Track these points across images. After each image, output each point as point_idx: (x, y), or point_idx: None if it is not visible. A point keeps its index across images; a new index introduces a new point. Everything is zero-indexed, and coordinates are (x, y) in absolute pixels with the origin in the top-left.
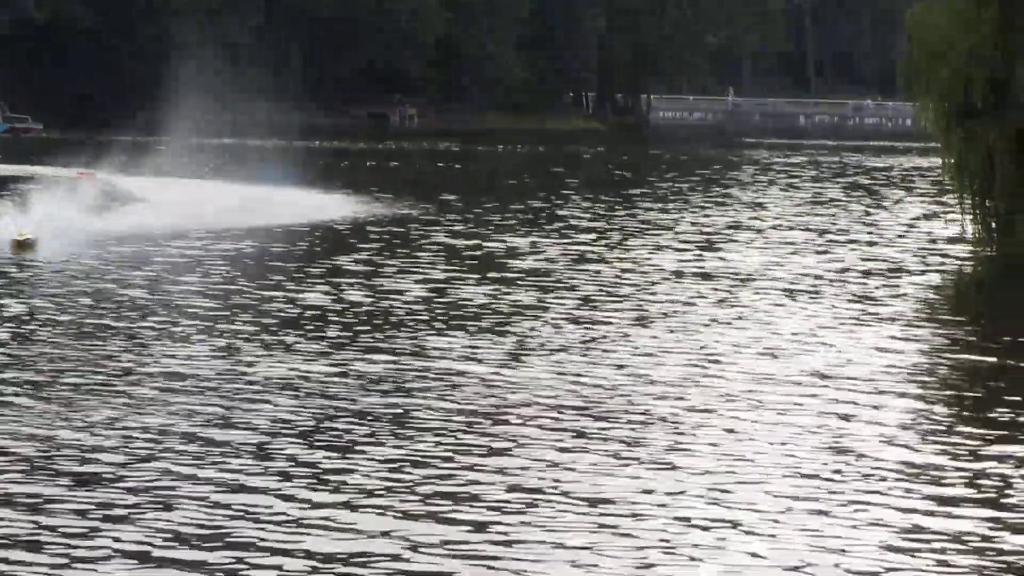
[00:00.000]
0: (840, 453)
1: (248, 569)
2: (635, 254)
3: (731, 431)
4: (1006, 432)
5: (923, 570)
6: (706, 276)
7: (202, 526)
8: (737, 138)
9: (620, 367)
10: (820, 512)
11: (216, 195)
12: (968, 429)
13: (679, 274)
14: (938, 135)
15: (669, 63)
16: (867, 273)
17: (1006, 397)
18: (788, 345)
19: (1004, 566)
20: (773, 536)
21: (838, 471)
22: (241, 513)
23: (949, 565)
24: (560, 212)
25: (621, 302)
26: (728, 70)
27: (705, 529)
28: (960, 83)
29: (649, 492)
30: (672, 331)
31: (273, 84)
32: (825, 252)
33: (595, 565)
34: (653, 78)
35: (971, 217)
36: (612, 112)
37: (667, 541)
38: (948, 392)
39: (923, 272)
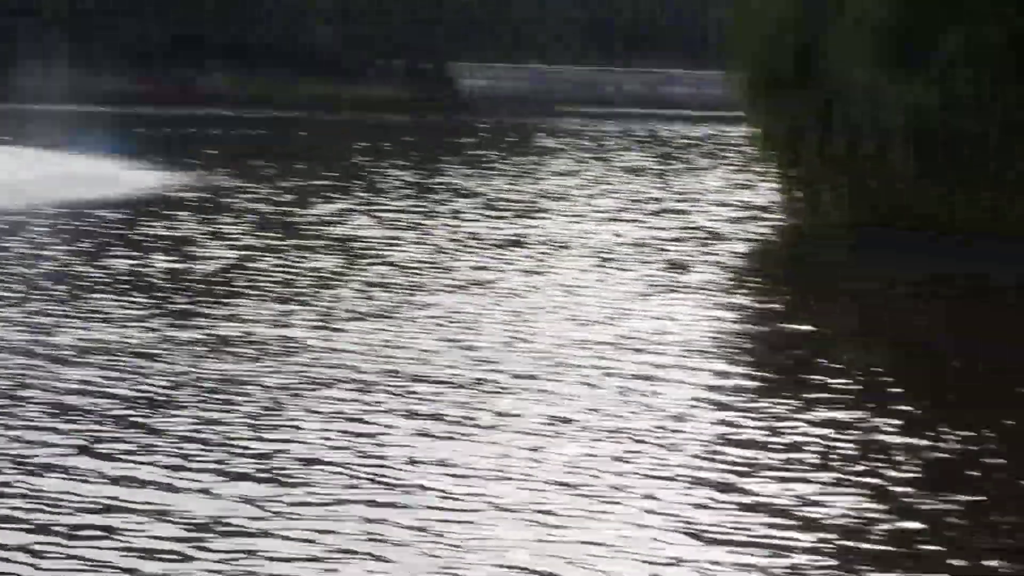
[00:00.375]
0: (651, 419)
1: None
2: (448, 221)
3: (548, 392)
4: (816, 396)
5: (730, 531)
6: (519, 243)
7: None
8: (546, 106)
9: (435, 334)
10: (626, 474)
11: (15, 163)
12: (777, 396)
13: (492, 241)
14: (746, 105)
15: (478, 31)
16: (677, 241)
17: (814, 363)
18: (601, 312)
19: (810, 529)
20: (585, 497)
21: (649, 435)
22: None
23: (758, 526)
24: (371, 180)
25: (435, 269)
26: (537, 39)
27: (526, 490)
28: (768, 52)
29: (470, 456)
30: (487, 298)
31: (80, 50)
32: (636, 220)
33: (423, 530)
34: (462, 47)
35: (778, 187)
36: (421, 80)
37: (492, 504)
38: (757, 359)
39: (732, 241)
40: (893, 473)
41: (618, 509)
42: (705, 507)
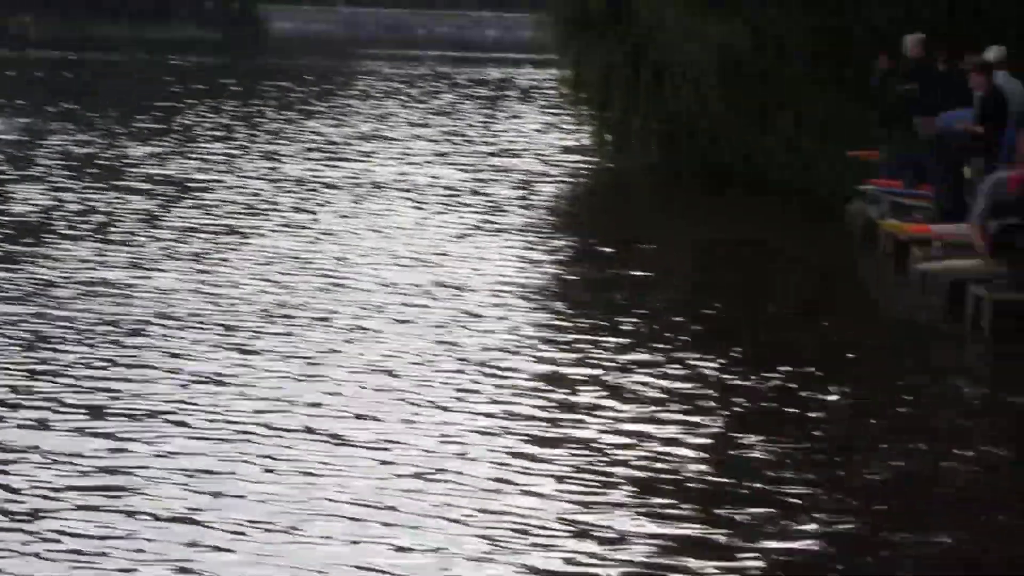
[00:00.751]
0: (467, 361)
1: None
2: (261, 163)
3: (363, 330)
4: (631, 340)
5: (551, 475)
6: (334, 186)
7: None
8: (355, 48)
9: (253, 274)
10: (450, 410)
11: None
12: (593, 337)
13: (305, 182)
14: (557, 47)
15: None
16: (492, 183)
17: (627, 306)
18: (418, 254)
19: (628, 466)
20: (397, 443)
21: (466, 378)
22: None
23: (575, 469)
24: (181, 121)
25: (251, 211)
26: None
27: (330, 417)
28: None
29: (289, 400)
30: (303, 239)
31: None
32: (451, 164)
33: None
34: None
35: (591, 129)
36: (228, 21)
37: (302, 431)
38: (572, 300)
39: (545, 183)
40: (706, 412)
41: (422, 442)
42: (519, 444)
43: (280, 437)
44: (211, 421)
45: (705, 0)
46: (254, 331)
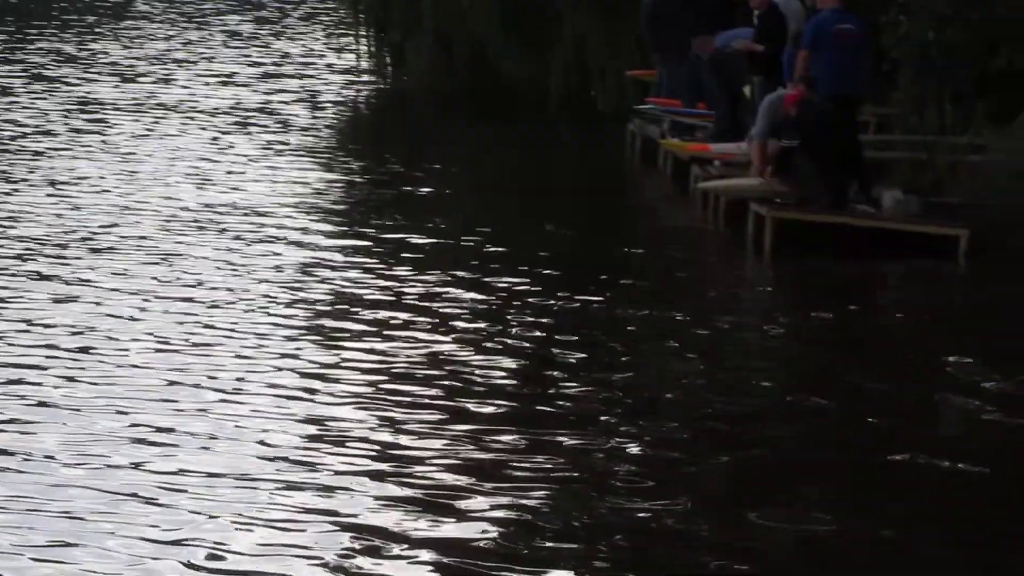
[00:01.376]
0: (267, 282)
1: None
2: (54, 86)
3: (160, 254)
4: (423, 258)
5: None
6: (128, 108)
7: None
8: None
9: (45, 194)
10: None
11: None
12: (391, 257)
13: (101, 105)
14: None
15: None
16: (275, 106)
17: (422, 224)
18: (209, 176)
19: (427, 383)
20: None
21: (265, 300)
22: None
23: (366, 376)
24: None
25: (43, 134)
26: None
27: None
28: None
29: (81, 315)
30: (98, 163)
31: None
32: (242, 85)
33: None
34: None
35: (367, 50)
36: None
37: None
38: (366, 220)
39: (328, 105)
40: (518, 328)
41: (227, 362)
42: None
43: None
44: None
45: None
46: (51, 257)
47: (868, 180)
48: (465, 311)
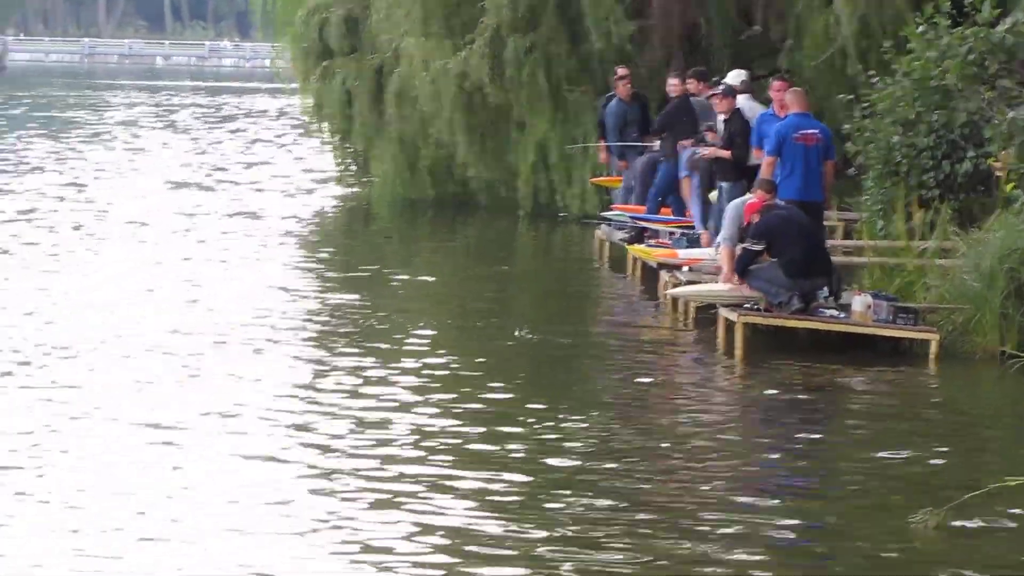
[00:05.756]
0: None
1: None
2: (29, 200)
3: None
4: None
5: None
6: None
7: None
8: (95, 80)
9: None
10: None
11: None
12: (347, 365)
13: (63, 222)
14: (297, 75)
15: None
16: (239, 213)
17: (389, 332)
18: (202, 276)
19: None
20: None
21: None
22: None
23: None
24: None
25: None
26: (85, 12)
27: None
28: (316, 24)
29: None
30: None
31: None
32: (198, 189)
33: None
34: (9, 21)
35: (332, 156)
36: None
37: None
38: (332, 326)
39: (290, 215)
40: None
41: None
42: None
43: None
44: None
45: (442, 27)
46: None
47: (837, 285)
48: (432, 425)
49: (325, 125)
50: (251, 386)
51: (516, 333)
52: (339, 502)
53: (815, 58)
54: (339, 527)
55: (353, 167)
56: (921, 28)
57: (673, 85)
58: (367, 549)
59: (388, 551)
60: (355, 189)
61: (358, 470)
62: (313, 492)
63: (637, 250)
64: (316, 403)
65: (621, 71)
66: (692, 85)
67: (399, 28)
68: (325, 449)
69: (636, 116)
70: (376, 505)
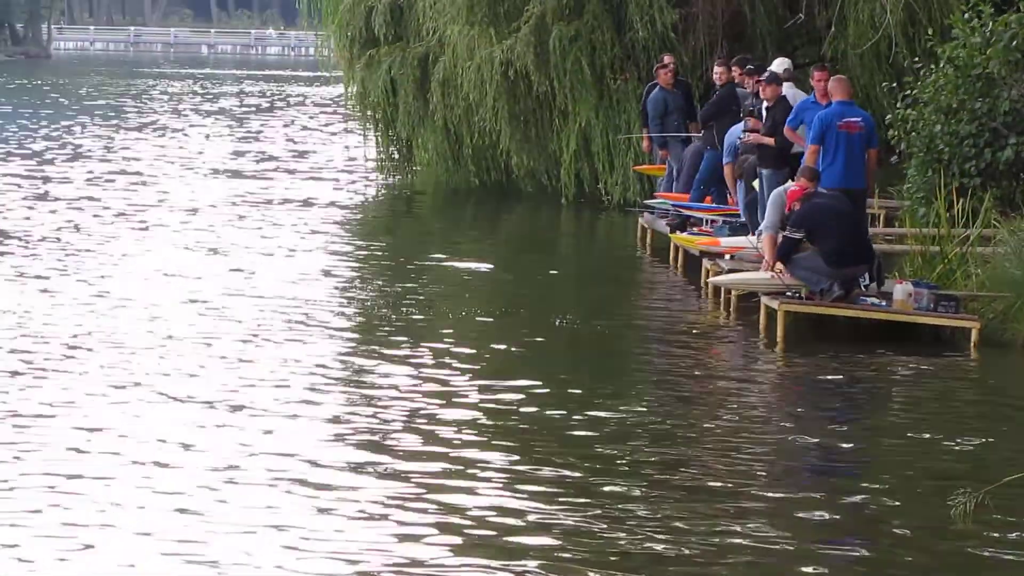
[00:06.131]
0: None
1: None
2: (79, 187)
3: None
4: (438, 355)
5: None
6: (147, 210)
7: None
8: (142, 68)
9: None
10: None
11: None
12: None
13: (129, 205)
14: (342, 64)
15: None
16: (285, 201)
17: (429, 321)
18: (249, 264)
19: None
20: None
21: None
22: None
23: None
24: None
25: (69, 238)
26: (131, 1)
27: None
28: (362, 12)
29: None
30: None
31: None
32: (242, 177)
33: None
34: (55, 7)
35: (376, 145)
36: (12, 41)
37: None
38: (378, 312)
39: (339, 199)
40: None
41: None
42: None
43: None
44: None
45: (487, 16)
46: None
47: (879, 273)
48: (474, 409)
49: (370, 113)
50: (293, 373)
51: (556, 322)
52: (380, 490)
53: (859, 46)
54: (377, 517)
55: (397, 155)
56: (966, 16)
57: (719, 73)
58: (411, 538)
59: (447, 533)
60: (399, 177)
61: (404, 457)
62: (357, 479)
63: (680, 239)
64: (358, 392)
65: (666, 58)
66: (736, 74)
67: (444, 16)
68: (369, 435)
69: (679, 104)
70: (433, 489)
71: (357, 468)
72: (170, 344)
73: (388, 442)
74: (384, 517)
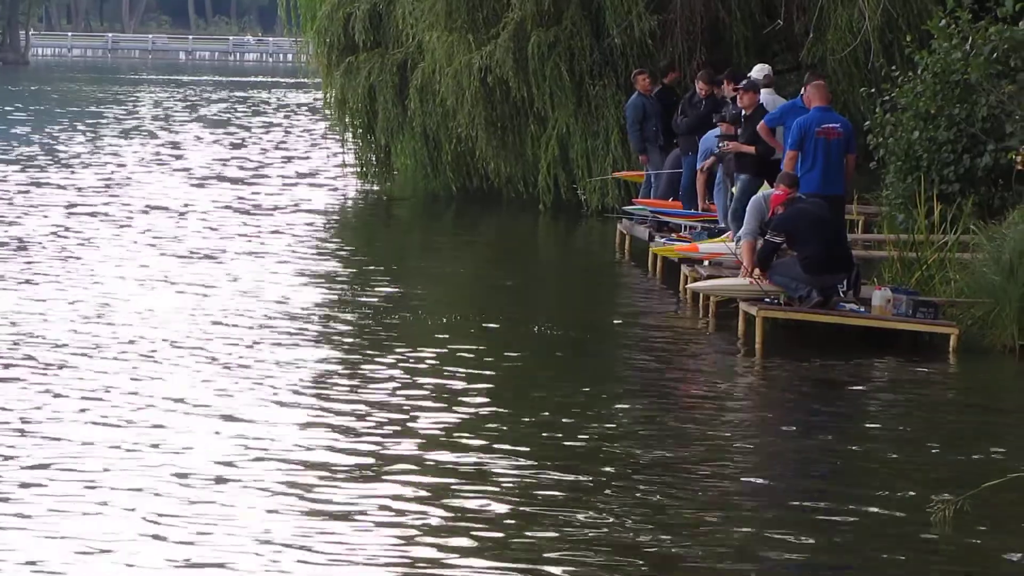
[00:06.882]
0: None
1: None
2: (66, 193)
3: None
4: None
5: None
6: (101, 213)
7: None
8: (119, 75)
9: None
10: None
11: None
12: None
13: (79, 210)
14: (321, 70)
15: None
16: (263, 207)
17: (402, 326)
18: (232, 270)
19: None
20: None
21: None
22: None
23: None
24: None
25: (41, 244)
26: (109, 7)
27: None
28: (341, 18)
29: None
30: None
31: None
32: (219, 184)
33: None
34: (33, 13)
35: (354, 151)
36: None
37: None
38: (355, 323)
39: (313, 209)
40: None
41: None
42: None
43: None
44: None
45: (465, 22)
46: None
47: (857, 279)
48: (453, 418)
49: (348, 120)
50: (279, 377)
51: (535, 329)
52: (379, 495)
53: (838, 52)
54: (376, 521)
55: (376, 161)
56: (943, 22)
57: (701, 87)
58: (409, 540)
59: (448, 535)
60: (377, 184)
61: (395, 461)
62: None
63: (660, 250)
64: (345, 399)
65: (638, 72)
66: (730, 88)
67: (423, 22)
68: (358, 440)
69: (656, 110)
70: (420, 500)
71: (352, 472)
72: (161, 349)
73: (374, 447)
74: (382, 523)
